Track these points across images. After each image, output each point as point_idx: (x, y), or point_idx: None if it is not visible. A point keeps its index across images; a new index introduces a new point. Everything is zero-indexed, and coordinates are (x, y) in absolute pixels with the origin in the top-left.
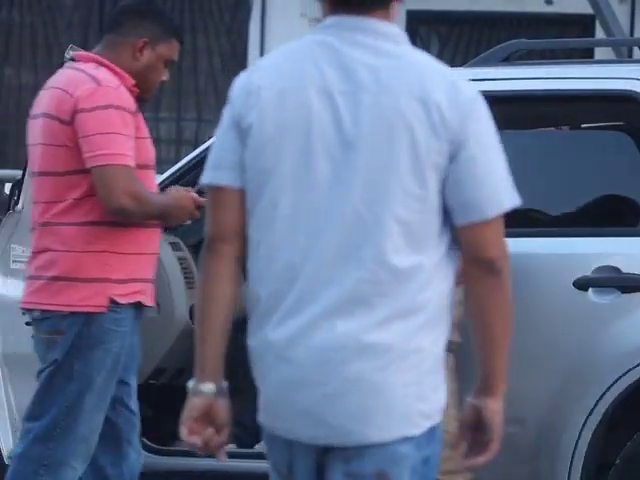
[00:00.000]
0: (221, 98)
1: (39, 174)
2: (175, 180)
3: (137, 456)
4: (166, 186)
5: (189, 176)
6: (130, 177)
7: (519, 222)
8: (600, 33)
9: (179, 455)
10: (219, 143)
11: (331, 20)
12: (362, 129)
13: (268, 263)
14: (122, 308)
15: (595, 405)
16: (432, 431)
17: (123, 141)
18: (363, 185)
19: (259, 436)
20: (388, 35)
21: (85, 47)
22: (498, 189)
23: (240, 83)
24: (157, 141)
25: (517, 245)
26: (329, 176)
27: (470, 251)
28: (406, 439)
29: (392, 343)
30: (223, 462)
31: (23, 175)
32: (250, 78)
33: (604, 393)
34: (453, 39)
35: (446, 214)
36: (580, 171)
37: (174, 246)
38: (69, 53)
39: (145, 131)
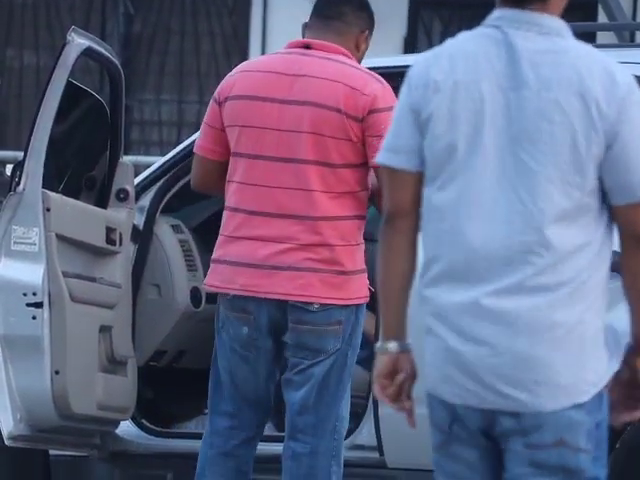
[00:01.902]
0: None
1: (295, 161)
2: (167, 169)
3: None
4: (157, 176)
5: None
6: None
7: None
8: (602, 17)
9: (179, 437)
10: (396, 128)
11: (498, 12)
12: (526, 125)
13: (437, 240)
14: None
15: None
16: (600, 397)
17: None
18: (526, 176)
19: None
20: (551, 28)
21: (87, 29)
22: None
23: (418, 73)
24: (159, 123)
25: None
26: (497, 166)
27: (624, 228)
28: (577, 406)
29: (558, 319)
30: (412, 425)
31: (24, 156)
32: (428, 69)
33: None
34: (455, 23)
35: (604, 195)
36: None
37: (175, 228)
38: (71, 35)
39: None
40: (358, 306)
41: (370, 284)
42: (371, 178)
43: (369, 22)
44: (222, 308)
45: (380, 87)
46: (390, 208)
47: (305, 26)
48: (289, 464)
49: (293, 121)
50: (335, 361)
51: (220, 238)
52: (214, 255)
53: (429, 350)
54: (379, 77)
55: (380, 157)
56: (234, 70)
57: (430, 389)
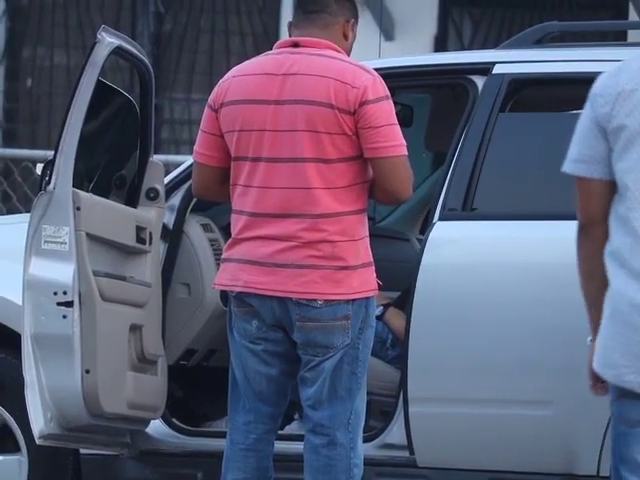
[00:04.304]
0: None
1: (293, 160)
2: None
3: None
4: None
5: None
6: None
7: None
8: (633, 15)
9: (209, 436)
10: (581, 139)
11: None
12: None
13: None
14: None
15: None
16: None
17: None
18: None
19: (289, 419)
20: None
21: (117, 28)
22: None
23: (604, 85)
24: (189, 122)
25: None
26: None
27: None
28: None
29: None
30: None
31: (55, 155)
32: (615, 80)
33: None
34: (486, 21)
35: None
36: None
37: (205, 227)
38: (101, 34)
39: None
40: (368, 299)
41: (387, 278)
42: (369, 170)
43: (353, 11)
44: (231, 306)
45: (370, 78)
46: (582, 217)
47: (290, 25)
48: (308, 457)
49: (288, 120)
50: (345, 354)
51: (229, 240)
52: (223, 255)
53: (619, 340)
54: (369, 68)
55: (567, 167)
56: (226, 75)
57: (617, 381)
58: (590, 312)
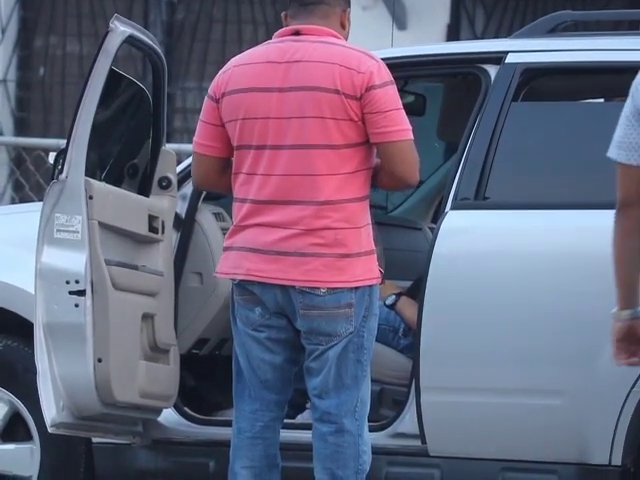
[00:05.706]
0: None
1: (298, 147)
2: None
3: None
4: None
5: None
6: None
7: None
8: None
9: (221, 425)
10: (623, 126)
11: None
12: None
13: None
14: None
15: (639, 376)
16: None
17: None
18: None
19: (301, 408)
20: None
21: (130, 17)
22: None
23: None
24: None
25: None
26: None
27: None
28: None
29: None
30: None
31: (67, 144)
32: None
33: None
34: (499, 10)
35: None
36: None
37: (217, 216)
38: (114, 22)
39: None
40: (371, 287)
41: (399, 267)
42: (373, 157)
43: (348, 0)
44: (233, 294)
45: (375, 64)
46: (621, 198)
47: (286, 15)
48: (317, 445)
49: (293, 107)
50: (349, 342)
51: (231, 228)
52: (224, 244)
53: None
54: (372, 54)
55: (610, 152)
56: (227, 65)
57: None
58: (622, 289)
